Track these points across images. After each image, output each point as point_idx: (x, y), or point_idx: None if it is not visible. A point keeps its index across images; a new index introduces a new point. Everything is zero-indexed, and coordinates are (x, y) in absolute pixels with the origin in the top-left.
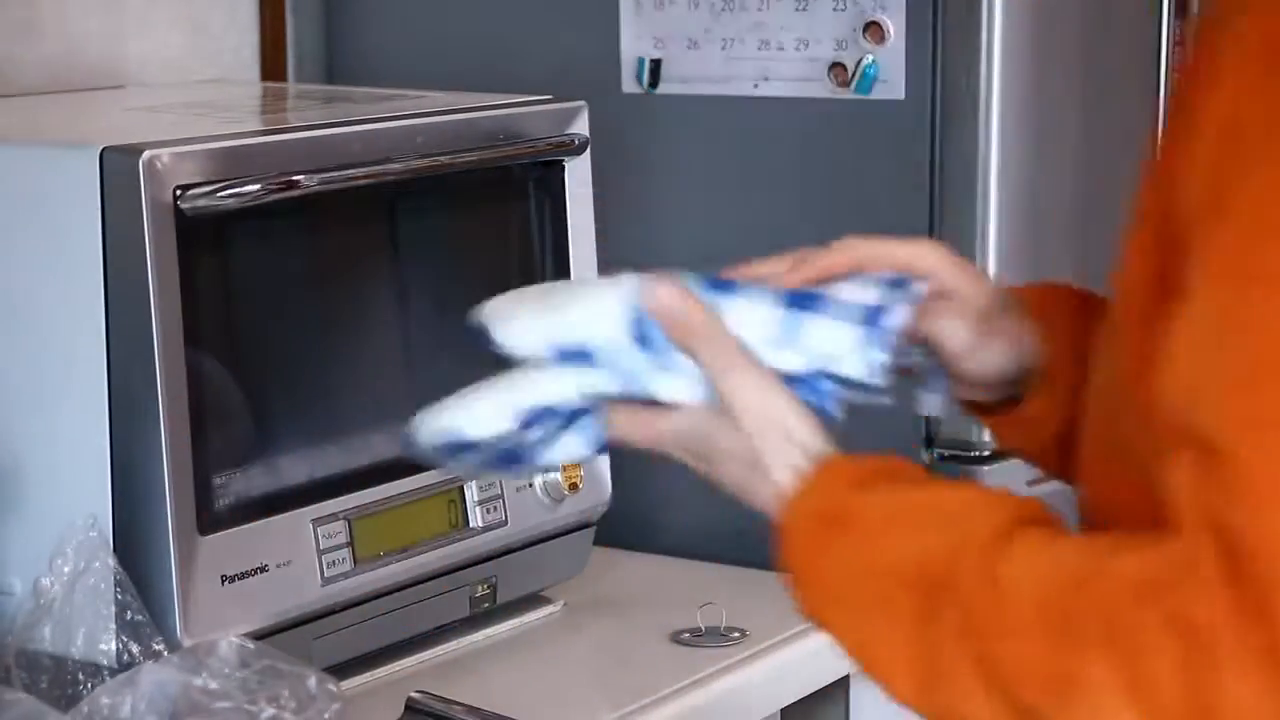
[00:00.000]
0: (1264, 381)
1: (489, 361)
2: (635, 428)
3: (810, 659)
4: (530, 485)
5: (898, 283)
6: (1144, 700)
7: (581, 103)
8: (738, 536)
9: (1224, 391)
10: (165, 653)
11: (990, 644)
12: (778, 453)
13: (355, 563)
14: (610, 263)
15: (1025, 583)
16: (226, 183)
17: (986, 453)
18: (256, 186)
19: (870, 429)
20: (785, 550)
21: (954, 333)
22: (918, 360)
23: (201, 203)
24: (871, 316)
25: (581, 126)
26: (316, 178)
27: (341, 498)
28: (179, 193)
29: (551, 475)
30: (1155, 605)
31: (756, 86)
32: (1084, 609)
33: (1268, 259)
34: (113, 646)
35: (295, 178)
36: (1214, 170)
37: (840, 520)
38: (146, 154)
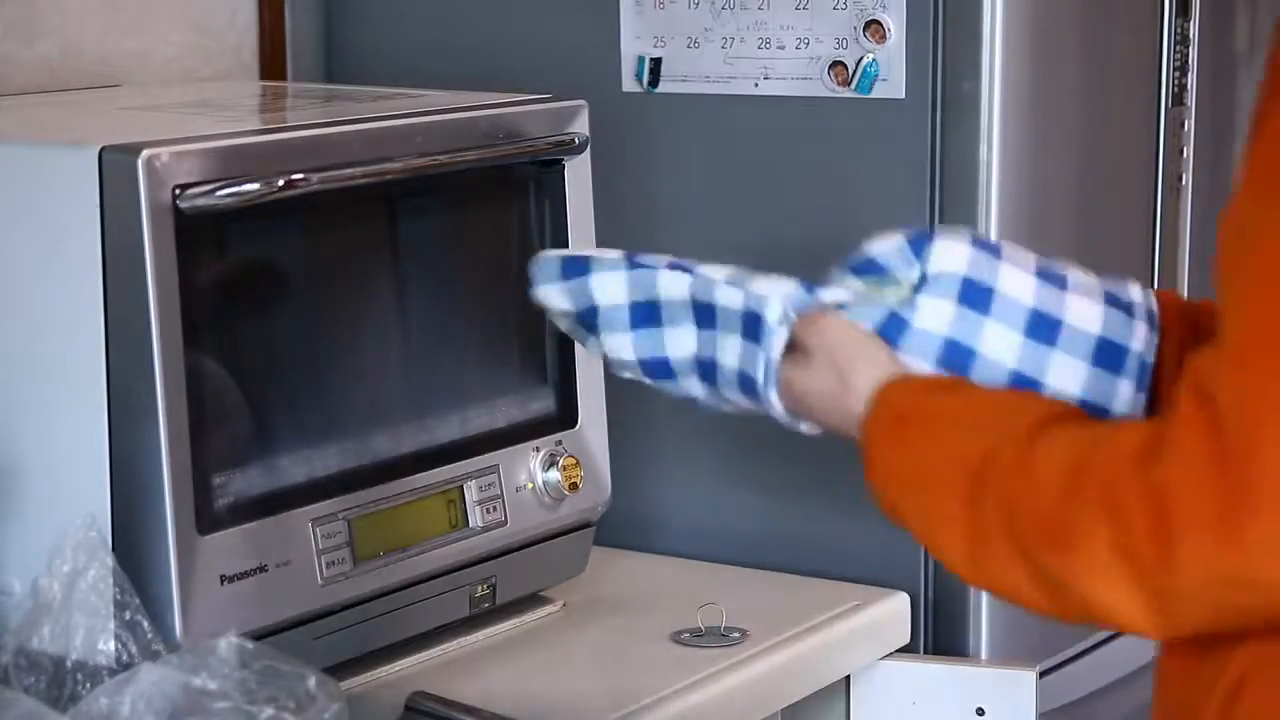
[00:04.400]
0: (1271, 281)
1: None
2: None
3: (810, 659)
4: (530, 485)
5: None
6: (1128, 560)
7: (581, 102)
8: (738, 536)
9: (1238, 288)
10: (164, 653)
11: (1019, 514)
12: (863, 374)
13: (355, 563)
14: None
15: (1050, 460)
16: (225, 182)
17: None
18: (255, 186)
19: None
20: (867, 448)
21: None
22: None
23: (200, 202)
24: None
25: (582, 126)
26: (315, 177)
27: (341, 497)
28: (178, 192)
29: (552, 475)
30: (1145, 473)
31: (757, 85)
32: (1090, 475)
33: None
34: (111, 647)
35: (294, 177)
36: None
37: (911, 419)
38: (145, 153)
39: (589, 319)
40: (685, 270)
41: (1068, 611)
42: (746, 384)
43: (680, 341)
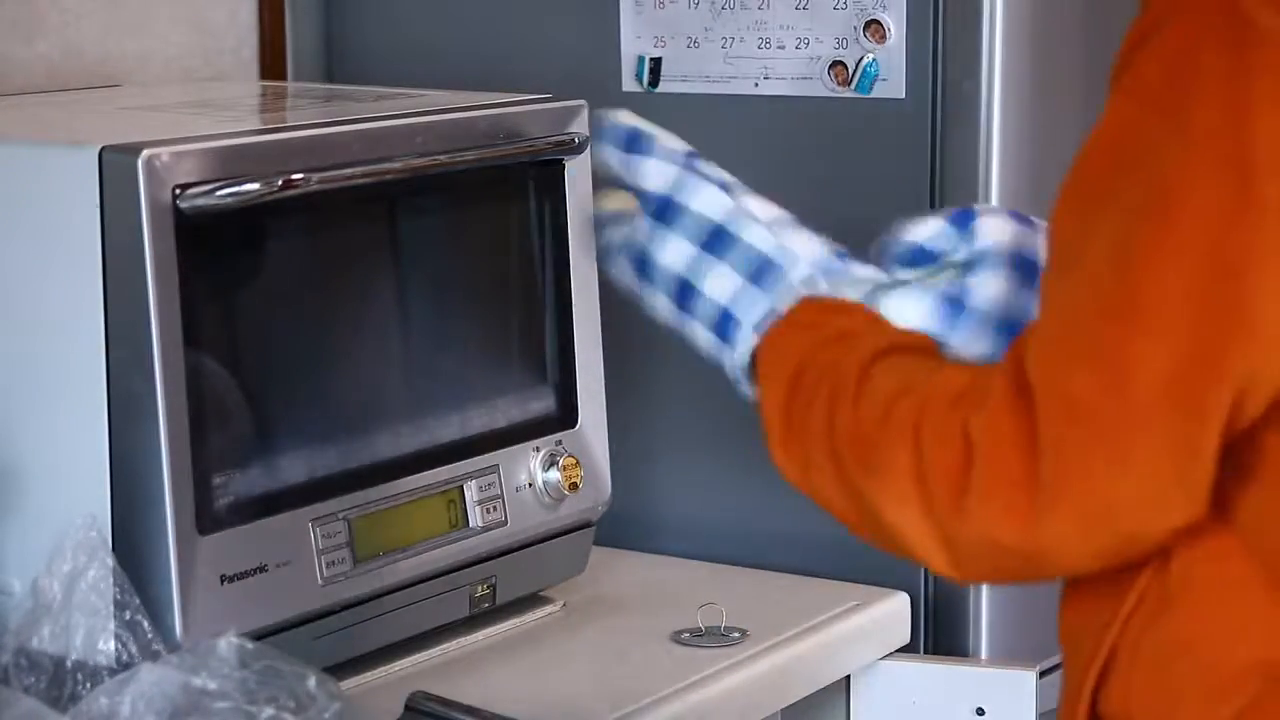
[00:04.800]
0: (1065, 247)
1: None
2: None
3: (810, 659)
4: (530, 485)
5: None
6: (924, 493)
7: (581, 102)
8: (738, 536)
9: (1049, 282)
10: (164, 653)
11: (839, 430)
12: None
13: (355, 563)
14: None
15: (880, 385)
16: (225, 182)
17: None
18: (255, 185)
19: None
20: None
21: None
22: None
23: (200, 202)
24: None
25: (581, 126)
26: (315, 177)
27: (341, 497)
28: (178, 192)
29: (552, 475)
30: (955, 414)
31: (757, 85)
32: (909, 405)
33: (1089, 159)
34: (111, 646)
35: (294, 177)
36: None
37: (796, 323)
38: (145, 153)
39: (624, 185)
40: (728, 192)
41: (876, 535)
42: (724, 324)
43: (675, 251)
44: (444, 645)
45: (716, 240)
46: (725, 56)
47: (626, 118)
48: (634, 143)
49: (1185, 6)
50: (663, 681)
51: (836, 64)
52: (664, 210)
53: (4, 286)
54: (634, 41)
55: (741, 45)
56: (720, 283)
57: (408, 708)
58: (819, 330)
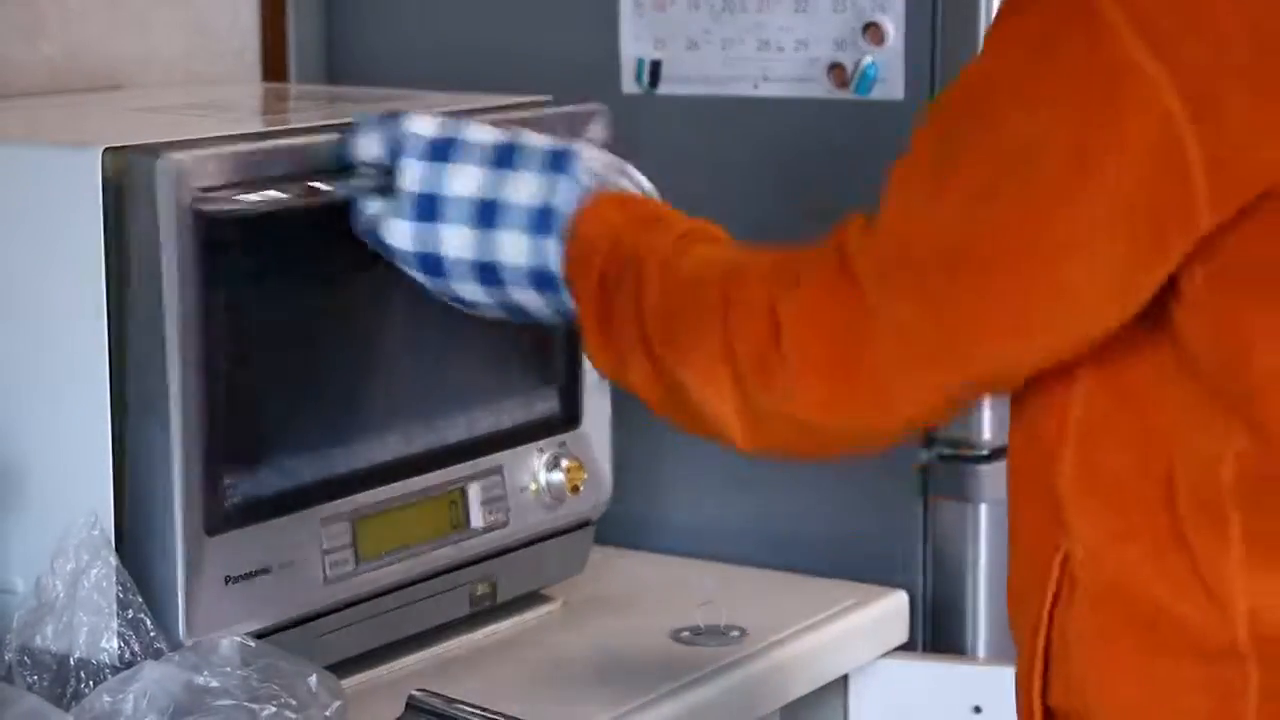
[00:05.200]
0: (913, 155)
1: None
2: None
3: (810, 658)
4: (533, 487)
5: None
6: (730, 367)
7: (598, 106)
8: (738, 536)
9: (894, 170)
10: (166, 651)
11: (648, 313)
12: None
13: (357, 562)
14: None
15: (687, 263)
16: (237, 184)
17: (985, 452)
18: (267, 190)
19: None
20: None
21: None
22: None
23: (208, 205)
24: None
25: (598, 130)
26: (323, 179)
27: (347, 498)
28: (183, 193)
29: (555, 476)
30: (763, 291)
31: (756, 87)
32: (717, 283)
33: (941, 102)
34: (114, 645)
35: (302, 178)
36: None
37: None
38: (149, 155)
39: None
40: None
41: (681, 413)
42: (541, 221)
43: (465, 177)
44: (445, 644)
45: (504, 155)
46: (725, 59)
47: (423, 126)
48: (441, 150)
49: None
50: (662, 680)
51: (835, 66)
52: (442, 149)
53: (7, 286)
54: (634, 43)
55: (741, 47)
56: (523, 186)
57: (409, 706)
58: (629, 209)
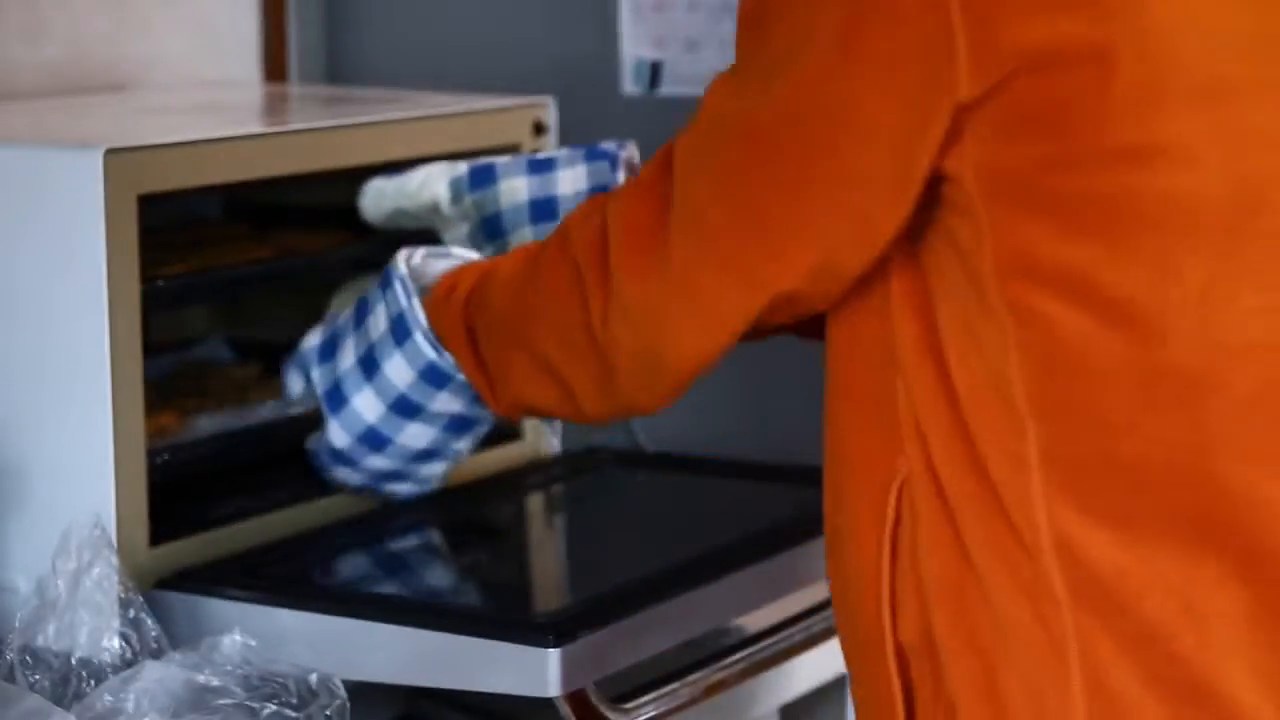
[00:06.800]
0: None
1: None
2: None
3: (810, 659)
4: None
5: None
6: (580, 287)
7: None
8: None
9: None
10: (167, 650)
11: (512, 324)
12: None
13: None
14: None
15: (517, 266)
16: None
17: None
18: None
19: None
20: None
21: None
22: None
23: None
24: None
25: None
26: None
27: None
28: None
29: None
30: (600, 205)
31: None
32: (556, 241)
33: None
34: (116, 644)
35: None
36: None
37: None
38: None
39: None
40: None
41: (565, 401)
42: (397, 332)
43: (346, 355)
44: None
45: (360, 312)
46: (724, 59)
47: (311, 338)
48: (328, 349)
49: None
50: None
51: None
52: (329, 347)
53: (10, 287)
54: (634, 45)
55: None
56: (377, 323)
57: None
58: (458, 271)
